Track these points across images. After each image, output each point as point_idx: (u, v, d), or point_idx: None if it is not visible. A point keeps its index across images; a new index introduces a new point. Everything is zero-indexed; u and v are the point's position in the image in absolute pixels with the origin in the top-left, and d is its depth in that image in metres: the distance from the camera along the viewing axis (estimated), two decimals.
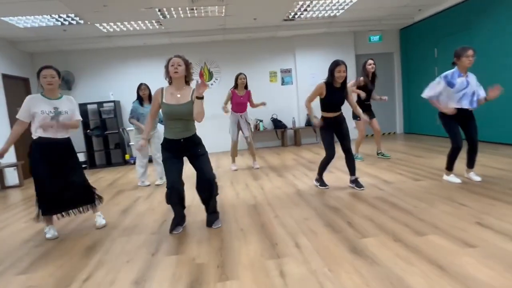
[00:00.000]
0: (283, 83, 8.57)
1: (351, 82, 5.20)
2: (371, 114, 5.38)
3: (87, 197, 3.23)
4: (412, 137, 8.20)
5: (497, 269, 1.92)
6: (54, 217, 3.20)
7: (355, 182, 3.90)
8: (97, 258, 2.57)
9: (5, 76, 6.64)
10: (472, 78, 3.62)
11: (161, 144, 2.98)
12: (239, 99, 5.43)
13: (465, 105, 3.59)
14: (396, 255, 2.19)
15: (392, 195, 3.54)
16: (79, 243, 2.93)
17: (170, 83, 2.94)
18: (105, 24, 6.45)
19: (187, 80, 2.95)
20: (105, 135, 7.89)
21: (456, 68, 3.61)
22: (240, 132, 5.63)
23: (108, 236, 3.06)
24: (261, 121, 8.37)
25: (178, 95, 2.85)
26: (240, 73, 5.46)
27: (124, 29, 6.86)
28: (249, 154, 6.28)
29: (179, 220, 3.02)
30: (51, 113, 2.96)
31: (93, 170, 7.49)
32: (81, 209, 3.24)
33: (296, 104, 8.59)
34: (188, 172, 3.23)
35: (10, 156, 6.49)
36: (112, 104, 7.74)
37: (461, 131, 3.72)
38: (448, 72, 3.63)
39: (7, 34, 6.46)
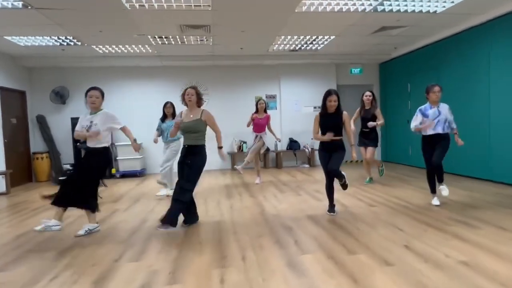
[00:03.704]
0: (267, 107, 9.02)
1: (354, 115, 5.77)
2: (366, 143, 5.75)
3: (83, 202, 3.60)
4: (387, 165, 8.59)
5: (401, 284, 2.27)
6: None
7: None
8: (67, 261, 2.88)
9: (2, 89, 7.05)
10: (443, 108, 4.24)
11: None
12: (259, 121, 6.35)
13: (439, 130, 4.20)
14: (323, 270, 2.53)
15: (342, 218, 3.90)
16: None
17: (186, 106, 3.84)
18: (101, 46, 6.94)
19: (198, 106, 3.84)
20: None
21: (428, 102, 4.28)
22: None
23: (77, 242, 3.37)
24: (244, 142, 8.77)
25: (191, 116, 3.79)
26: (260, 99, 6.49)
27: (119, 51, 7.36)
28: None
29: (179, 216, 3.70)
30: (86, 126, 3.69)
31: None
32: (76, 208, 3.65)
33: (279, 128, 9.02)
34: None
35: (0, 164, 6.82)
36: None
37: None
38: (422, 106, 4.35)
39: (8, 50, 6.92)
